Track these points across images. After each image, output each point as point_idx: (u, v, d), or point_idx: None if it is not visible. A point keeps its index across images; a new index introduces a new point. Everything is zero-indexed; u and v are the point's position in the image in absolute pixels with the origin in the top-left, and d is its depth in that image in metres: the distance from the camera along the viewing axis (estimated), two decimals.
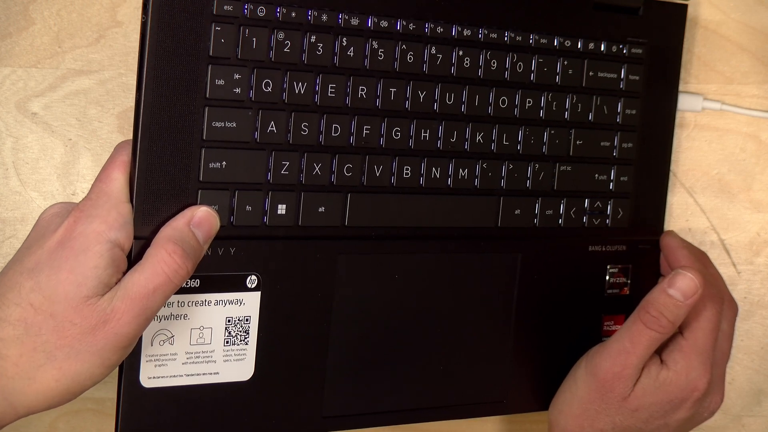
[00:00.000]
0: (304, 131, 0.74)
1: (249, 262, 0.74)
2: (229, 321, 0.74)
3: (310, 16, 0.73)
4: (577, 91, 0.84)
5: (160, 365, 0.72)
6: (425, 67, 0.78)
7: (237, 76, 0.71)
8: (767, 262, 0.95)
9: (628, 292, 0.88)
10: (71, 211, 0.67)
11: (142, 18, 0.68)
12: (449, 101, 0.79)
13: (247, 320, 0.74)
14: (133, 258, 0.68)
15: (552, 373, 0.85)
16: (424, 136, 0.78)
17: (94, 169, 0.81)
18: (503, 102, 0.81)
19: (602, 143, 0.86)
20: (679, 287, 0.77)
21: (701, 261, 0.88)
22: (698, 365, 0.79)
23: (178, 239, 0.67)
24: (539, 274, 0.85)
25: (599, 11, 0.85)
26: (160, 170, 0.70)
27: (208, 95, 0.70)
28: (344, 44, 0.75)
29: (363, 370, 0.79)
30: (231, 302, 0.73)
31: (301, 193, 0.74)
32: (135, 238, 0.68)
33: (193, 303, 0.72)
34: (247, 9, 0.71)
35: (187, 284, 0.72)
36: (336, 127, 0.75)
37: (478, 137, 0.80)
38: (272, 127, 0.73)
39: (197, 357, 0.73)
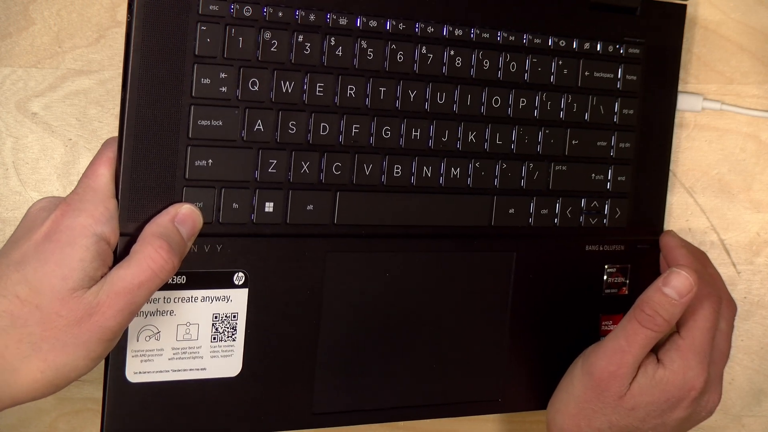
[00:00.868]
0: (292, 130, 0.74)
1: (236, 259, 0.74)
2: (216, 317, 0.74)
3: (298, 15, 0.74)
4: (572, 91, 0.84)
5: (146, 360, 0.73)
6: (416, 67, 0.78)
7: (223, 75, 0.72)
8: (767, 262, 0.95)
9: (626, 292, 0.88)
10: (58, 205, 0.68)
11: (128, 17, 0.70)
12: (440, 101, 0.79)
13: (234, 317, 0.75)
14: (120, 254, 0.69)
15: (549, 373, 0.85)
16: (415, 135, 0.78)
17: None
18: (496, 102, 0.81)
19: (599, 143, 0.85)
20: (674, 285, 0.77)
21: (700, 260, 0.87)
22: (695, 364, 0.79)
23: (163, 235, 0.68)
24: (535, 273, 0.85)
25: (596, 11, 0.85)
26: (145, 167, 0.71)
27: (193, 94, 0.71)
28: (332, 44, 0.75)
29: (354, 367, 0.80)
30: (218, 299, 0.74)
31: (289, 191, 0.75)
32: (121, 234, 0.69)
33: (180, 299, 0.73)
34: (233, 8, 0.72)
35: (173, 280, 0.72)
36: (324, 126, 0.75)
37: (471, 136, 0.80)
38: (259, 125, 0.73)
39: (184, 353, 0.74)
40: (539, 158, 0.83)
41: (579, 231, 0.86)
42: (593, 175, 0.86)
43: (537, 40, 0.82)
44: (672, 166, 0.92)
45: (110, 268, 0.68)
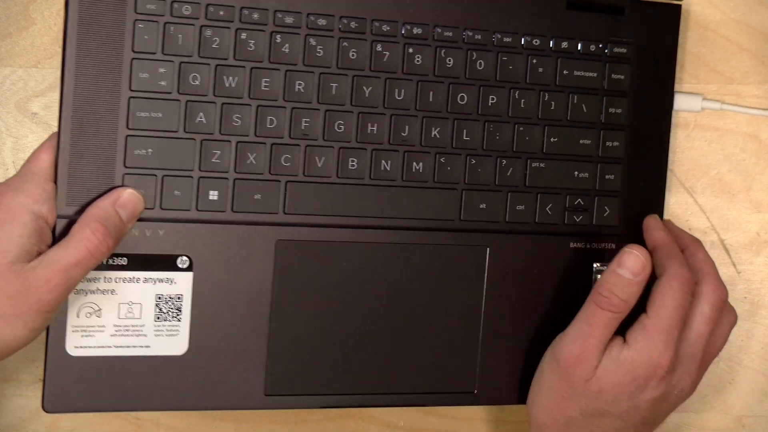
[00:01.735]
0: (236, 122, 0.78)
1: (179, 244, 0.78)
2: (159, 298, 0.78)
3: (241, 13, 0.77)
4: (549, 90, 0.84)
5: (86, 336, 0.77)
6: (371, 63, 0.80)
7: (162, 70, 0.76)
8: (767, 262, 0.94)
9: None
10: None
11: (65, 14, 0.74)
12: (399, 96, 0.81)
13: (179, 298, 0.78)
14: (60, 235, 0.74)
15: (528, 367, 0.85)
16: (372, 130, 0.80)
17: None
18: (462, 98, 0.82)
19: (582, 141, 0.86)
20: (626, 265, 0.77)
21: (691, 246, 0.86)
22: (659, 342, 0.78)
23: (101, 218, 0.73)
24: (511, 268, 0.85)
25: (574, 10, 0.85)
26: (84, 155, 0.75)
27: (132, 87, 0.76)
28: (278, 41, 0.78)
29: (312, 353, 0.81)
30: (161, 280, 0.78)
31: (234, 180, 0.78)
32: (62, 217, 0.74)
33: (121, 279, 0.77)
34: (172, 7, 0.76)
35: (113, 261, 0.77)
36: (272, 119, 0.78)
37: (434, 132, 0.82)
38: (201, 117, 0.77)
39: (126, 330, 0.78)
40: (514, 155, 0.84)
41: (562, 228, 0.86)
42: (576, 172, 0.86)
43: (507, 39, 0.83)
44: (672, 166, 0.91)
45: (49, 247, 0.73)
